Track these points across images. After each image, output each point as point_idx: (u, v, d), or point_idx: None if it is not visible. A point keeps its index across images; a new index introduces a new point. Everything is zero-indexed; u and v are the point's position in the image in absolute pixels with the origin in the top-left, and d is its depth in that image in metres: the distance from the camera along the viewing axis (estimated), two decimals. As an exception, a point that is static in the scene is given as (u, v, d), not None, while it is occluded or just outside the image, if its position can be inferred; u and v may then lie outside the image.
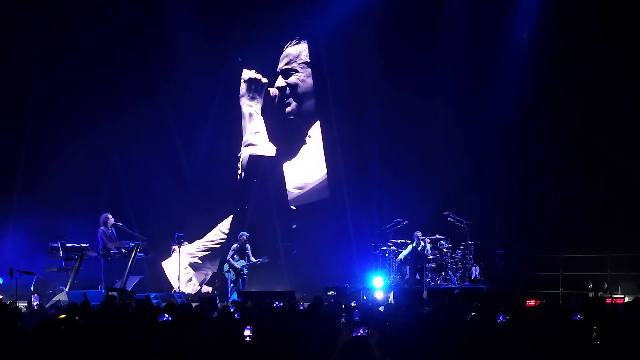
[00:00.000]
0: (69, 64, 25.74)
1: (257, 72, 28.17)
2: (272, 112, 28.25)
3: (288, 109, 28.29)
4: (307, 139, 28.43)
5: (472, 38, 26.81)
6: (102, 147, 26.55)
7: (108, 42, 26.01)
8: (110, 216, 23.43)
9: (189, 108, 27.37)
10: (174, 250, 24.72)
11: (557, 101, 25.51)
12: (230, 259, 24.30)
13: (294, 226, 27.66)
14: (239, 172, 27.98)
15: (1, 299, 18.39)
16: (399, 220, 24.77)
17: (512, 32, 26.58)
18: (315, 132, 28.46)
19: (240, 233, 24.79)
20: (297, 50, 28.36)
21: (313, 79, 28.45)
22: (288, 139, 28.41)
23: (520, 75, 25.93)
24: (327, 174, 28.41)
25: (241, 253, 24.38)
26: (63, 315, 11.90)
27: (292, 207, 28.33)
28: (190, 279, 27.14)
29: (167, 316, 12.11)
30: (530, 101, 25.92)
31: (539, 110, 25.91)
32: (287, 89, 28.22)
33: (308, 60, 28.37)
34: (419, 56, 27.39)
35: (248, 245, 24.47)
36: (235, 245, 24.51)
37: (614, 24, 24.37)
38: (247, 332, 10.33)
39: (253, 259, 24.34)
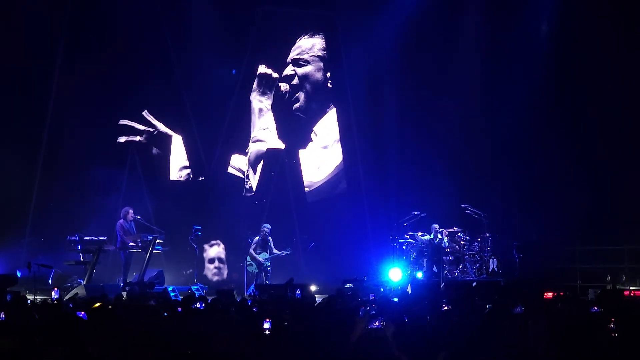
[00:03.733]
0: (90, 57, 25.80)
1: (272, 65, 28.16)
2: (282, 108, 28.23)
3: (296, 105, 28.24)
4: (312, 135, 28.41)
5: (490, 29, 26.82)
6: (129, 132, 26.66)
7: (129, 37, 26.03)
8: (130, 210, 23.51)
9: (207, 100, 27.40)
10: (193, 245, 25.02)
11: (574, 93, 25.40)
12: (252, 252, 24.30)
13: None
14: (247, 168, 27.94)
15: (19, 292, 18.42)
16: (416, 212, 24.75)
17: (531, 23, 26.53)
18: (322, 128, 28.47)
19: (263, 225, 24.81)
20: (311, 43, 28.33)
21: (329, 70, 28.45)
22: (296, 135, 28.41)
23: (539, 66, 25.90)
24: (344, 167, 28.44)
25: (263, 245, 24.38)
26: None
27: (309, 200, 28.40)
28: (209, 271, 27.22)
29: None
30: (548, 92, 25.87)
31: (556, 102, 25.84)
32: (296, 78, 28.18)
33: (321, 55, 28.35)
34: (437, 47, 27.38)
35: (270, 238, 24.49)
36: (257, 238, 24.53)
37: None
38: (266, 325, 10.35)
39: (276, 251, 24.35)
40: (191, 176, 27.48)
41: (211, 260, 27.18)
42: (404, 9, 27.03)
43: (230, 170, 27.72)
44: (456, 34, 27.33)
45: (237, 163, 27.86)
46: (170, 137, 27.20)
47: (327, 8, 28.28)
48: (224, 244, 27.12)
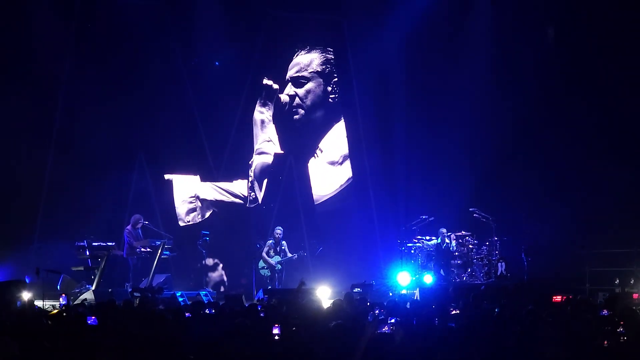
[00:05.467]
0: (98, 64, 25.78)
1: (279, 74, 28.22)
2: (283, 120, 28.27)
3: (296, 116, 28.25)
4: (317, 152, 28.43)
5: (496, 36, 26.88)
6: (130, 145, 26.61)
7: (138, 45, 26.09)
8: (141, 218, 23.54)
9: (215, 107, 27.41)
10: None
11: (582, 96, 25.36)
12: (265, 255, 24.29)
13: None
14: (250, 179, 27.95)
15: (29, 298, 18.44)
16: (424, 216, 24.73)
17: (539, 24, 26.54)
18: (329, 140, 28.52)
19: (275, 228, 24.83)
20: (309, 59, 28.34)
21: (334, 80, 28.50)
22: (302, 146, 28.45)
23: (545, 70, 25.92)
24: (353, 173, 28.46)
25: (276, 249, 24.36)
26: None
27: (317, 205, 28.44)
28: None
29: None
30: (555, 95, 25.87)
31: (563, 105, 25.81)
32: (296, 97, 28.21)
33: (320, 70, 28.38)
34: (444, 54, 27.41)
35: (284, 242, 24.47)
36: (270, 241, 24.52)
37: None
38: (275, 331, 10.35)
39: (289, 254, 24.35)
40: (199, 218, 27.48)
41: (219, 266, 27.17)
42: (411, 15, 27.11)
43: (221, 197, 27.76)
44: (464, 40, 27.36)
45: (233, 188, 27.92)
46: (170, 182, 27.31)
47: (335, 14, 28.28)
48: (232, 249, 27.07)
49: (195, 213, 27.41)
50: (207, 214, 27.50)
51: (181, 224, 27.10)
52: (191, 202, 27.36)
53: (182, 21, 27.05)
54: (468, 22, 27.45)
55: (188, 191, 27.25)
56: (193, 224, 27.27)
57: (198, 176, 27.44)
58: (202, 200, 27.43)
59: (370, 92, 28.18)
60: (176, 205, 27.16)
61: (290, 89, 28.17)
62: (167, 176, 27.08)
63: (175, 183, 27.18)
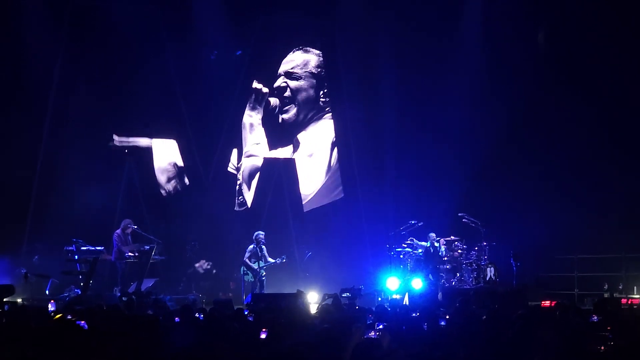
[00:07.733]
0: (88, 65, 25.88)
1: (268, 76, 28.25)
2: (274, 121, 28.29)
3: (285, 115, 28.33)
4: (304, 148, 28.51)
5: (486, 40, 26.96)
6: (119, 150, 26.61)
7: (129, 49, 26.08)
8: (131, 223, 23.49)
9: (205, 110, 27.42)
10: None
11: (571, 101, 25.41)
12: (247, 261, 24.16)
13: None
14: (239, 182, 27.97)
15: (16, 302, 18.41)
16: (413, 221, 24.75)
17: (527, 31, 26.63)
18: (316, 141, 28.57)
19: (256, 233, 24.57)
20: (303, 59, 28.43)
21: (324, 83, 28.55)
22: (289, 148, 28.48)
23: (534, 76, 25.99)
24: (341, 177, 28.53)
25: (257, 254, 24.25)
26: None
27: (306, 210, 28.47)
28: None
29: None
30: (544, 101, 25.92)
31: (552, 110, 25.88)
32: (287, 90, 28.24)
33: (315, 72, 28.44)
34: (435, 59, 27.47)
35: (264, 247, 24.31)
36: (251, 247, 24.34)
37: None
38: (263, 336, 10.35)
39: (270, 260, 24.23)
40: (179, 187, 27.51)
41: (208, 270, 27.11)
42: (403, 19, 27.20)
43: (230, 169, 27.85)
44: (454, 45, 27.47)
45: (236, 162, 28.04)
46: (149, 149, 27.29)
47: (326, 19, 28.35)
48: (220, 253, 27.05)
49: (174, 180, 27.45)
50: (187, 181, 27.52)
51: (163, 192, 27.10)
52: (169, 171, 27.39)
53: (175, 22, 27.05)
54: (459, 26, 27.52)
55: (167, 159, 27.28)
56: (175, 193, 27.30)
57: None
58: (180, 167, 27.51)
59: (360, 97, 28.25)
60: (156, 174, 27.19)
61: (281, 81, 28.19)
62: (146, 143, 27.13)
63: (154, 149, 27.21)
